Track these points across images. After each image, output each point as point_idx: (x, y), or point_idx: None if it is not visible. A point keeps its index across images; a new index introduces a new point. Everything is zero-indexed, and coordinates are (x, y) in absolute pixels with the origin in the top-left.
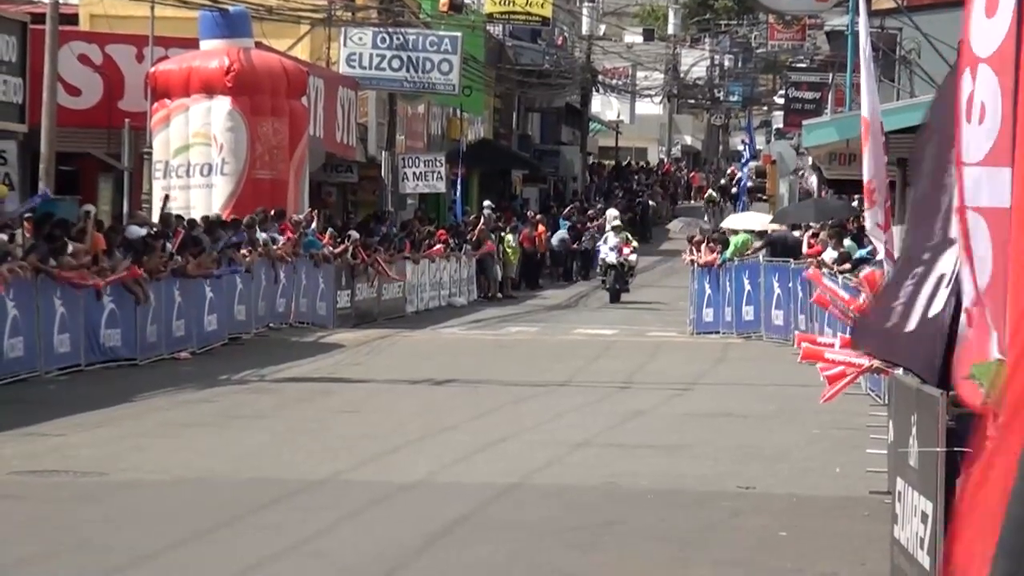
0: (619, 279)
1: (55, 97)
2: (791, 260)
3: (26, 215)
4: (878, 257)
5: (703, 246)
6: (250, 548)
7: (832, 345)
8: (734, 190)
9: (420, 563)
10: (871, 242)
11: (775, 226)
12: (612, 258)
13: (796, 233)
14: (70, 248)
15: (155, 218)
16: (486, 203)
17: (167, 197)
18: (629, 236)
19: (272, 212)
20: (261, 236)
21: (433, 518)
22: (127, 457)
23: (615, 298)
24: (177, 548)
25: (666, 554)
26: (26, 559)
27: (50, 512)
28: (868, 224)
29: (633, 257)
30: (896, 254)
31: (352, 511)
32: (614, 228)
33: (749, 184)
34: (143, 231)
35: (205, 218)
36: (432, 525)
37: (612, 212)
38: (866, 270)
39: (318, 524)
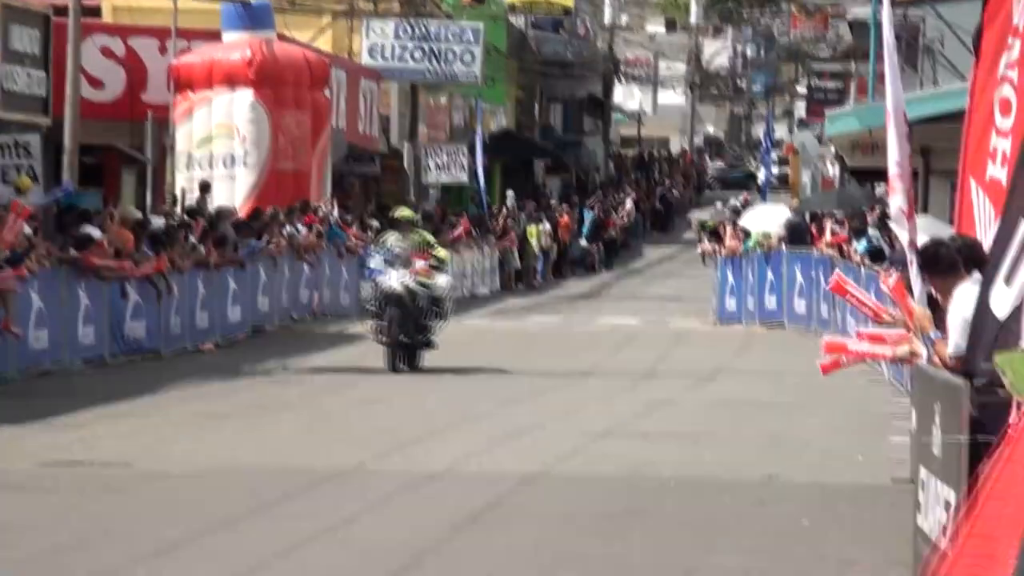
0: (410, 322)
1: (78, 90)
2: (813, 249)
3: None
4: (898, 248)
5: (727, 233)
6: (276, 537)
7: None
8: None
9: (446, 551)
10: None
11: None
12: (395, 283)
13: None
14: (95, 234)
15: (185, 205)
16: (509, 193)
17: (206, 185)
18: (431, 240)
19: (297, 205)
20: (286, 229)
21: (458, 507)
22: (152, 448)
23: (409, 362)
24: (203, 537)
25: (689, 542)
26: (53, 549)
27: (76, 503)
28: (892, 210)
29: (442, 280)
30: (919, 243)
31: (378, 500)
32: (399, 224)
33: (773, 173)
34: (163, 221)
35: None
36: (457, 514)
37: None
38: (893, 274)
39: (344, 513)
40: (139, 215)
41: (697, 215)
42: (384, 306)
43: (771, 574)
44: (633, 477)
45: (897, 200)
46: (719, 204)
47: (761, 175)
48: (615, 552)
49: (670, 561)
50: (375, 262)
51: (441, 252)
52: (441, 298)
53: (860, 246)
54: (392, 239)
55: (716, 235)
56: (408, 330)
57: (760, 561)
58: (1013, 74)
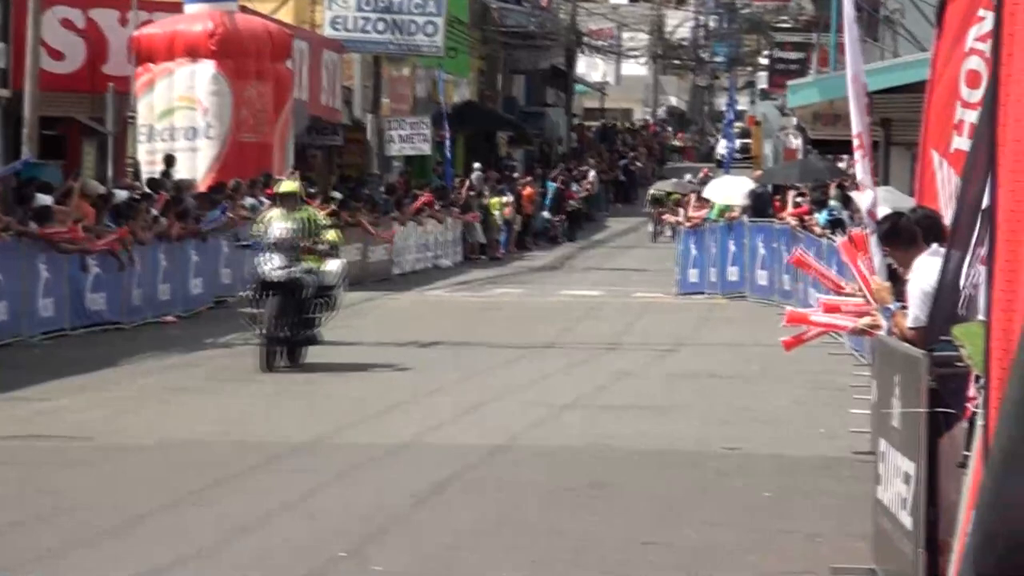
0: (292, 314)
1: (38, 62)
2: (775, 220)
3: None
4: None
5: (691, 204)
6: (239, 510)
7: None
8: (721, 154)
9: (410, 523)
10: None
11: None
12: (275, 269)
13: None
14: (49, 202)
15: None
16: (476, 165)
17: (171, 159)
18: (321, 219)
19: (260, 177)
20: (248, 201)
21: (421, 479)
22: (113, 421)
23: (290, 358)
24: (166, 511)
25: (654, 514)
26: (14, 524)
27: (36, 477)
28: (859, 174)
29: (333, 266)
30: (878, 214)
31: (340, 473)
32: (283, 199)
33: (736, 147)
34: (126, 194)
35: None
36: (420, 486)
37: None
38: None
39: (307, 486)
40: (102, 188)
41: (658, 186)
42: (262, 295)
43: (733, 547)
44: (596, 449)
45: (865, 167)
46: (688, 176)
47: (722, 147)
48: (578, 525)
49: (632, 534)
50: (256, 242)
51: (331, 234)
52: (331, 286)
53: (821, 217)
54: (274, 218)
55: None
56: (289, 323)
57: (722, 534)
58: (984, 47)
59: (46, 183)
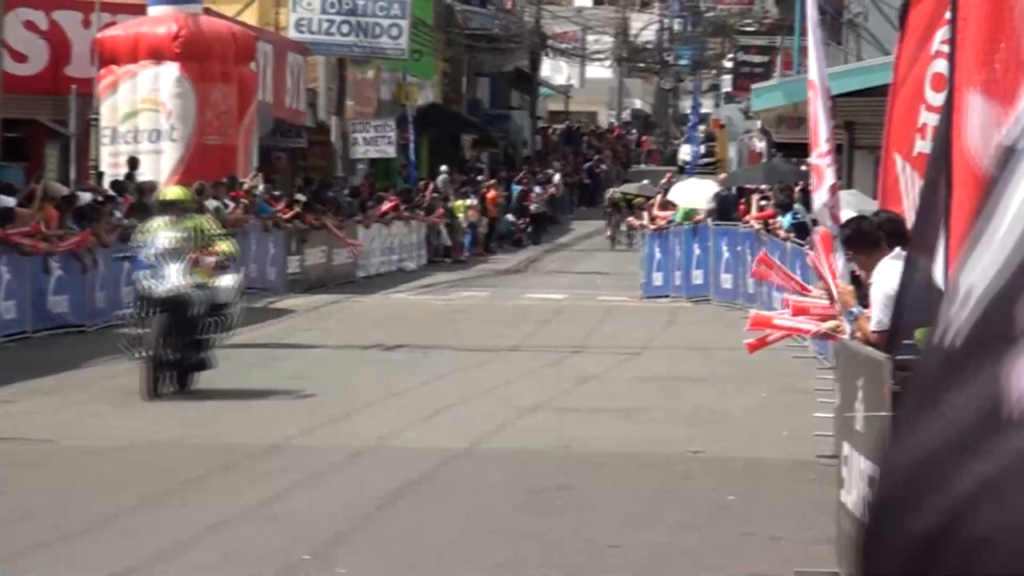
0: (181, 335)
1: (1, 64)
2: (739, 224)
3: None
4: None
5: (654, 207)
6: (204, 513)
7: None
8: (685, 159)
9: (374, 526)
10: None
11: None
12: (163, 284)
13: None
14: (10, 204)
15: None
16: (442, 168)
17: (135, 161)
18: (212, 228)
19: (225, 180)
20: (212, 203)
21: (386, 482)
22: (76, 424)
23: (179, 383)
24: (130, 514)
25: (619, 517)
26: None
27: None
28: (828, 180)
29: (228, 281)
30: (842, 217)
31: (305, 476)
32: (169, 208)
33: (700, 152)
34: (89, 196)
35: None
36: (385, 489)
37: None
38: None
39: (271, 488)
40: (65, 190)
41: (619, 189)
42: (147, 313)
43: (697, 550)
44: (561, 452)
45: (827, 175)
46: (646, 181)
47: (686, 151)
48: (542, 528)
49: (597, 537)
50: (145, 258)
51: (225, 245)
52: (225, 304)
53: (786, 220)
54: (159, 227)
55: (630, 210)
56: (177, 344)
57: (686, 537)
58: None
59: (8, 185)
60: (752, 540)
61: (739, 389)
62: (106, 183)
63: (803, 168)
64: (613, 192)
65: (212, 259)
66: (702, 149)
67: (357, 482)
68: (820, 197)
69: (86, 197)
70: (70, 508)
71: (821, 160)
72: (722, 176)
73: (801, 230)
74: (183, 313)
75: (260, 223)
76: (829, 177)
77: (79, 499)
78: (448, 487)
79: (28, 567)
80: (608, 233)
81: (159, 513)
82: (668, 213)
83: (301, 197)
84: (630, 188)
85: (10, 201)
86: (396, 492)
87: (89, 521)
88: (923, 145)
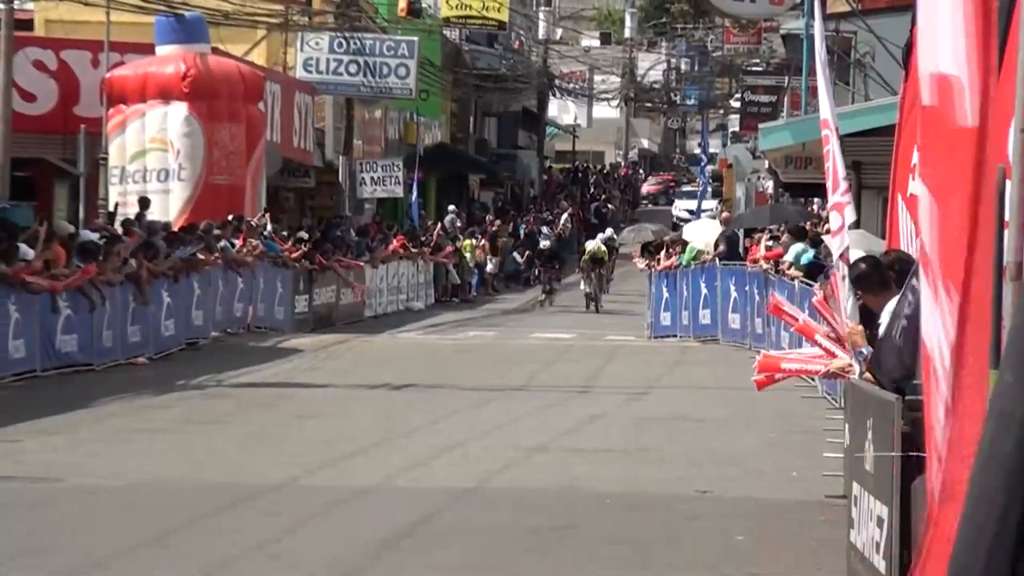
0: None
1: (10, 103)
2: (747, 264)
3: None
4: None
5: (662, 252)
6: (207, 552)
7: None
8: (680, 215)
9: (378, 566)
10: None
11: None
12: None
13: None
14: (21, 251)
15: (116, 224)
16: (450, 208)
17: (146, 201)
18: None
19: (231, 218)
20: (220, 244)
21: (391, 522)
22: (83, 462)
23: None
24: (134, 552)
25: (623, 558)
26: None
27: (4, 518)
28: (849, 218)
29: None
30: (851, 258)
31: (309, 515)
32: None
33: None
34: (95, 235)
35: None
36: (389, 529)
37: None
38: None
39: (275, 528)
40: (71, 229)
41: (635, 235)
42: None
43: None
44: (566, 492)
45: (847, 214)
46: (627, 232)
47: (680, 208)
48: (547, 568)
49: None
50: None
51: None
52: None
53: (805, 257)
54: None
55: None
56: None
57: None
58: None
59: (13, 224)
60: None
61: (747, 429)
62: (117, 223)
63: (811, 209)
64: (592, 245)
65: None
66: (710, 190)
67: (361, 522)
68: (843, 240)
69: (89, 235)
70: (74, 547)
71: (843, 198)
72: (725, 215)
73: (815, 270)
74: None
75: (270, 262)
76: (849, 216)
77: (83, 538)
78: (453, 527)
79: None
80: (583, 287)
81: (162, 552)
82: (672, 261)
83: (304, 235)
84: (648, 235)
85: (28, 252)
86: (401, 532)
87: (93, 560)
88: (914, 186)
